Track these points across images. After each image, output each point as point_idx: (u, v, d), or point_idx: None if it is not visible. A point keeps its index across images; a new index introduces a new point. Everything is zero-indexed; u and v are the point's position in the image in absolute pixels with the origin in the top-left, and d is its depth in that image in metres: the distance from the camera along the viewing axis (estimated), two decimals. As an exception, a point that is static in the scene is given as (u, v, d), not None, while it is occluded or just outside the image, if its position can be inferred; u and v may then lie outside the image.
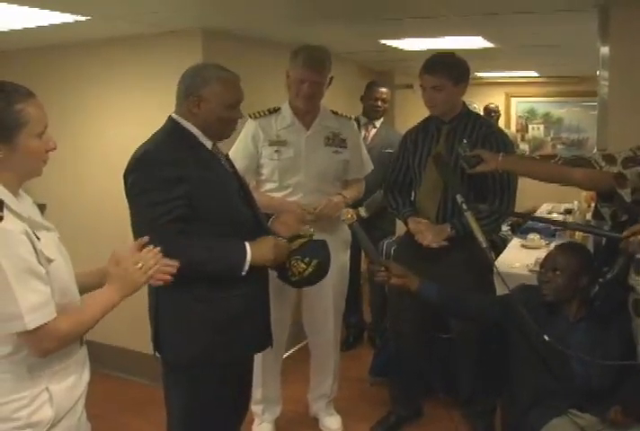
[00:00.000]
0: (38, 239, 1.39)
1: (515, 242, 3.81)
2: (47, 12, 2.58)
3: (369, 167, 2.95)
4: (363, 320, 4.18)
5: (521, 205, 2.99)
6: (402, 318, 2.82)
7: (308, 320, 2.94)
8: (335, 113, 2.80)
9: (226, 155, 2.13)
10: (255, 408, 2.86)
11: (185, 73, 1.97)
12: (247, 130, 2.70)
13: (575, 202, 4.36)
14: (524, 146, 6.70)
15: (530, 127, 6.93)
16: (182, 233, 1.85)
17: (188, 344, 1.94)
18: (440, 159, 2.47)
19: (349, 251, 2.91)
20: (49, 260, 1.41)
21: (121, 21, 2.88)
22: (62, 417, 1.47)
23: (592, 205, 3.43)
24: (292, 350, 3.70)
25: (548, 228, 3.88)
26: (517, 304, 2.01)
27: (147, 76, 3.25)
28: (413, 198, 2.81)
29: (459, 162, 2.41)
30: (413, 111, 3.93)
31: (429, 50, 2.87)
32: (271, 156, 2.65)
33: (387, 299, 3.08)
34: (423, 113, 2.77)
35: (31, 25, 2.88)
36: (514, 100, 6.92)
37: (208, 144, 1.99)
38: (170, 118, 1.99)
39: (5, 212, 1.34)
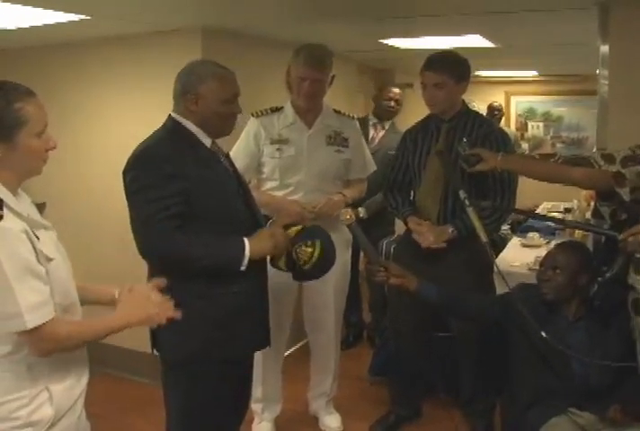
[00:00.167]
0: (37, 238, 1.39)
1: (515, 241, 3.82)
2: (47, 11, 2.58)
3: (372, 167, 2.93)
4: (362, 319, 4.18)
5: (521, 204, 2.99)
6: (401, 317, 2.82)
7: (309, 317, 2.93)
8: (338, 112, 2.79)
9: (227, 154, 2.13)
10: (255, 406, 2.85)
11: (181, 71, 1.98)
12: (249, 128, 2.70)
13: (575, 201, 4.36)
14: (524, 145, 6.70)
15: (530, 125, 6.93)
16: (179, 229, 1.84)
17: (186, 340, 1.93)
18: (444, 155, 2.47)
19: (350, 250, 2.91)
20: (49, 259, 1.41)
21: (121, 20, 2.87)
22: (62, 416, 1.47)
23: (592, 204, 3.43)
24: (292, 349, 3.70)
25: (548, 227, 3.88)
26: (517, 303, 2.02)
27: (147, 75, 3.25)
28: (412, 198, 2.80)
29: (459, 160, 2.41)
30: (412, 110, 3.92)
31: (429, 49, 2.87)
32: (273, 155, 2.65)
33: (387, 298, 3.08)
34: (423, 112, 2.77)
35: (30, 25, 2.88)
36: (514, 98, 6.91)
37: (208, 142, 1.99)
38: (170, 116, 1.99)
39: (5, 211, 1.34)
